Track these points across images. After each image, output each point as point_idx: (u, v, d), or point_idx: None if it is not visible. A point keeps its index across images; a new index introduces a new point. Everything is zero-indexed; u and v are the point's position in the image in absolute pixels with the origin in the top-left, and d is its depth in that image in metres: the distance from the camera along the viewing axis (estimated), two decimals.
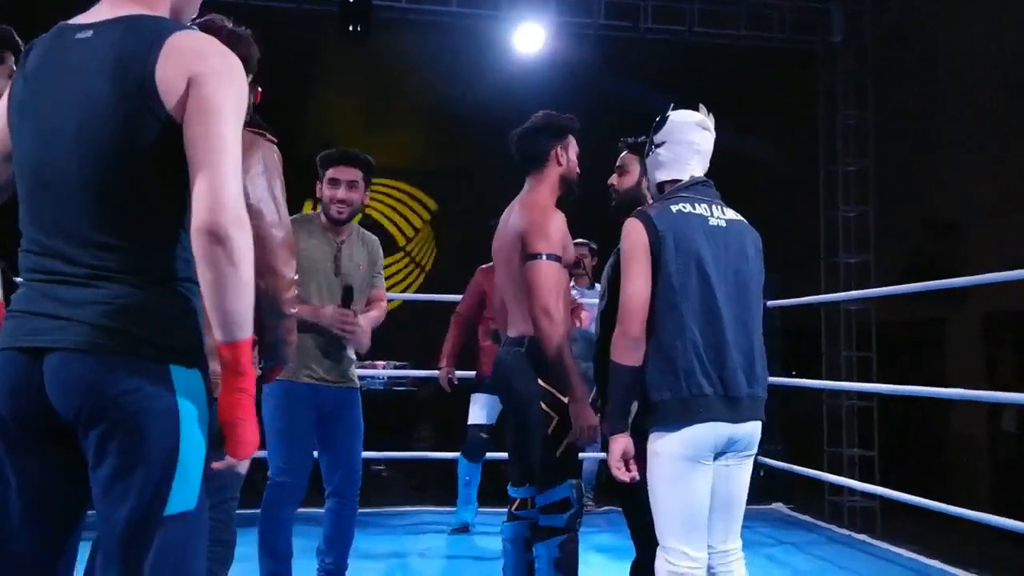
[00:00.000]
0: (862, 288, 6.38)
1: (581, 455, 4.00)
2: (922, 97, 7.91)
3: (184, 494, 1.38)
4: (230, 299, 1.35)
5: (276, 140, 2.10)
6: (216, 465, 1.43)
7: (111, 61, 1.39)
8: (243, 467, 1.88)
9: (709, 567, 2.37)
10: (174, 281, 1.42)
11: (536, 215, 2.73)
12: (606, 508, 5.10)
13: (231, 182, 1.35)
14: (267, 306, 1.90)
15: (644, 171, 2.75)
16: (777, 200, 8.09)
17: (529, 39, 6.75)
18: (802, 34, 7.07)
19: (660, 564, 2.29)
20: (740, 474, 2.34)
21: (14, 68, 2.28)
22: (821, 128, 7.23)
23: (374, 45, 6.65)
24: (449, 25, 6.83)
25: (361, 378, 3.32)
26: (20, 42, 2.35)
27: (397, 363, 7.46)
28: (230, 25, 2.05)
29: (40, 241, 1.41)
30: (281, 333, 1.98)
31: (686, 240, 2.28)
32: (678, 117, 2.46)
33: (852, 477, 6.03)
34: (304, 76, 7.70)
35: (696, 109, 2.48)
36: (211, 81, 1.38)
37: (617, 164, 2.91)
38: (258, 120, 2.10)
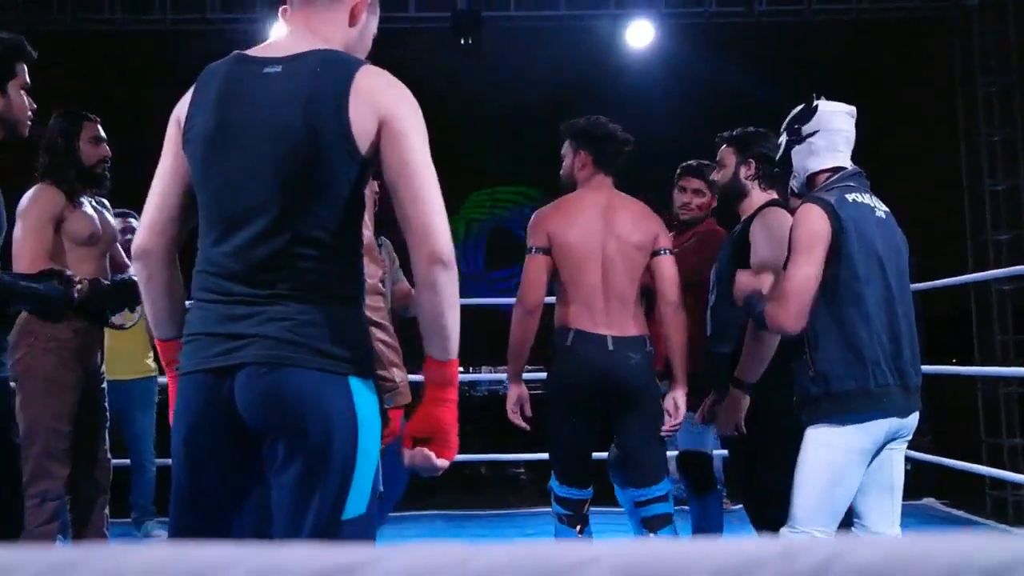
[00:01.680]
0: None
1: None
2: None
3: (358, 499, 1.45)
4: (452, 320, 1.48)
5: None
6: (420, 460, 1.51)
7: (304, 97, 1.46)
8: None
9: None
10: (349, 300, 1.52)
11: (654, 214, 2.95)
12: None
13: (441, 226, 1.46)
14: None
15: (739, 162, 2.81)
16: (914, 179, 7.64)
17: (639, 35, 6.68)
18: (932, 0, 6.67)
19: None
20: (901, 459, 2.39)
21: (27, 80, 2.37)
22: (960, 98, 6.78)
23: (487, 56, 6.77)
24: (558, 29, 6.87)
25: (475, 384, 3.49)
26: (32, 52, 2.40)
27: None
28: None
29: (222, 263, 1.49)
30: (377, 347, 2.04)
31: (864, 230, 2.29)
32: (828, 106, 2.44)
33: (1014, 470, 5.61)
34: (418, 88, 7.92)
35: (817, 94, 2.48)
36: (403, 121, 1.47)
37: (717, 159, 2.93)
38: None
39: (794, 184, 2.47)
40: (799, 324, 2.27)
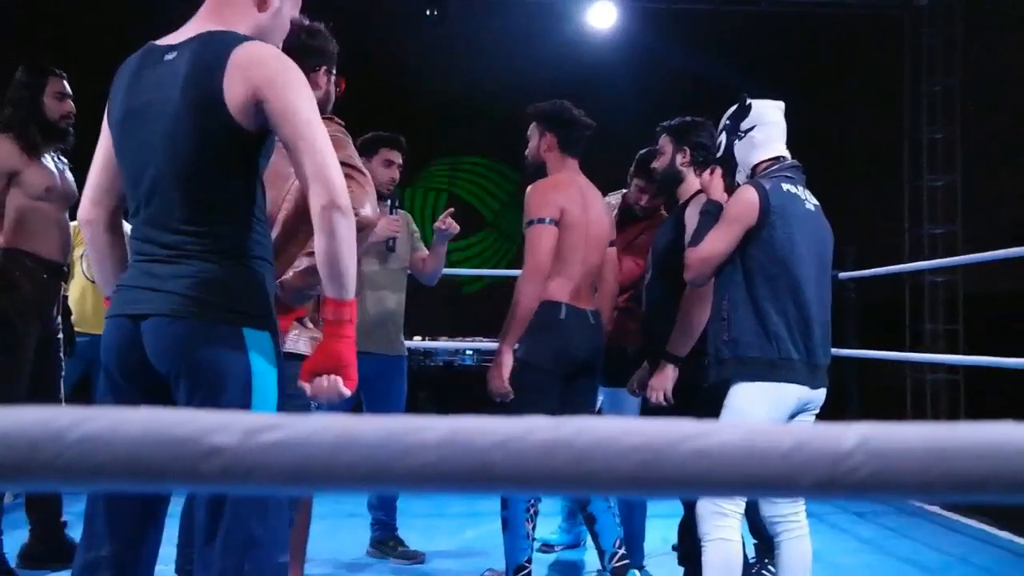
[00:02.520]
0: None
1: None
2: (1018, 60, 7.60)
3: None
4: (347, 262, 1.60)
5: (342, 123, 2.25)
6: (325, 390, 1.64)
7: (185, 76, 1.60)
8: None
9: (774, 532, 2.48)
10: (247, 259, 1.63)
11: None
12: None
13: (335, 166, 1.58)
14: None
15: (675, 150, 2.99)
16: (856, 170, 7.92)
17: (602, 16, 6.79)
18: None
19: (704, 505, 2.43)
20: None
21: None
22: (906, 96, 7.05)
23: (450, 27, 6.82)
24: (523, 5, 6.94)
25: (456, 352, 3.56)
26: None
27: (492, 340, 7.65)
28: (306, 21, 2.20)
29: (141, 230, 1.67)
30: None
31: (790, 217, 2.46)
32: (760, 102, 2.62)
33: None
34: (385, 60, 7.92)
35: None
36: (283, 88, 1.57)
37: (657, 147, 3.09)
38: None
39: (740, 179, 2.63)
40: (697, 282, 2.58)
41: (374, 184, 3.28)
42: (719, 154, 2.68)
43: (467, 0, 6.88)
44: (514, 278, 3.08)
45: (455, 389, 8.51)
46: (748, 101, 2.61)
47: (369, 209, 2.08)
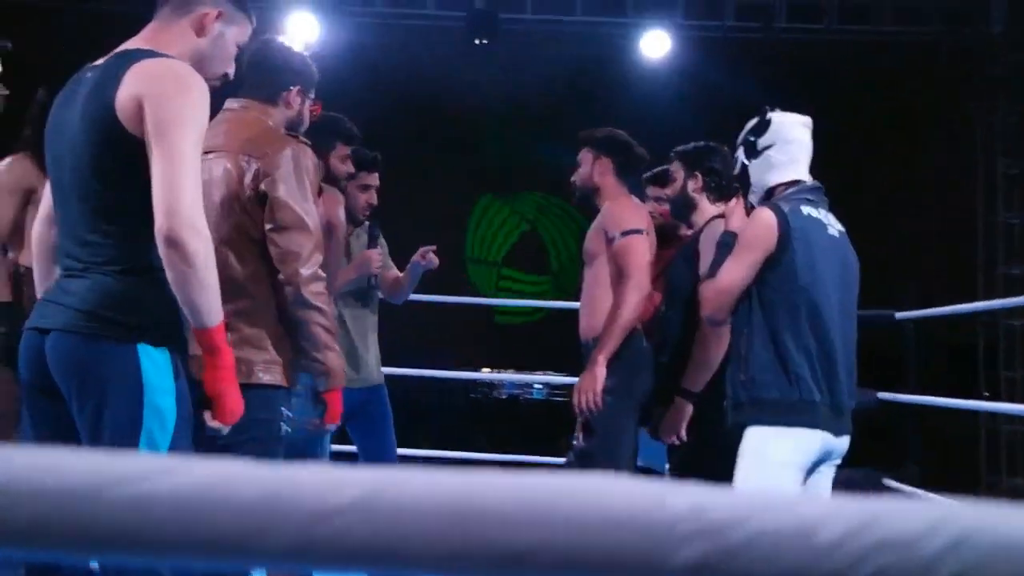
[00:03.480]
0: None
1: None
2: None
3: None
4: (192, 294, 1.56)
5: (308, 143, 2.17)
6: (211, 425, 1.68)
7: (88, 90, 1.63)
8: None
9: None
10: (149, 272, 1.61)
11: None
12: None
13: (185, 191, 1.53)
14: (291, 296, 1.98)
15: (687, 176, 2.85)
16: (923, 204, 7.51)
17: (655, 45, 6.60)
18: (956, 24, 6.54)
19: None
20: (828, 484, 2.35)
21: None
22: (980, 125, 6.66)
23: (502, 56, 6.73)
24: (574, 35, 6.81)
25: (524, 385, 3.43)
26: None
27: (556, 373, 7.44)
28: (287, 42, 2.29)
29: (61, 242, 1.70)
30: (314, 331, 2.00)
31: (812, 244, 2.27)
32: (782, 117, 2.41)
33: None
34: (434, 87, 7.90)
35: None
36: (161, 100, 1.57)
37: (670, 173, 2.98)
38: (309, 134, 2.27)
39: (753, 200, 2.44)
40: (716, 319, 2.37)
41: (352, 210, 3.13)
42: (735, 172, 2.47)
43: (517, 29, 6.77)
44: (574, 311, 2.93)
45: (514, 422, 8.31)
46: (768, 115, 2.40)
47: (310, 269, 1.98)
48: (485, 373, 8.37)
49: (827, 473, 2.33)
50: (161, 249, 1.53)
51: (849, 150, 2.08)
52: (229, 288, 1.97)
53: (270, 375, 1.99)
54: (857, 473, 4.32)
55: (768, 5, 6.48)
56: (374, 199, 3.29)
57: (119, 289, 1.59)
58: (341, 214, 2.91)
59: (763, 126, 2.39)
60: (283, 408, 2.03)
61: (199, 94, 1.61)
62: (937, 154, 7.80)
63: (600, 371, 2.62)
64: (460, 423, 9.59)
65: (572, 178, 2.93)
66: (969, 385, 6.27)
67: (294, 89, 2.19)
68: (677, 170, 2.93)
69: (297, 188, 2.00)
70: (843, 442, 2.30)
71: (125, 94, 1.57)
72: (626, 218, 2.73)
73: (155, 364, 1.59)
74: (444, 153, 9.08)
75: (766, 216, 2.27)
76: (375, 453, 3.34)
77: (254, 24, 1.86)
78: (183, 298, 1.57)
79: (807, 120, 2.44)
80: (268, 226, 1.98)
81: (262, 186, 1.99)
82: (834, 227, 2.37)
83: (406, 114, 7.85)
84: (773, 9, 6.50)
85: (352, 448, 3.45)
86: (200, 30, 1.72)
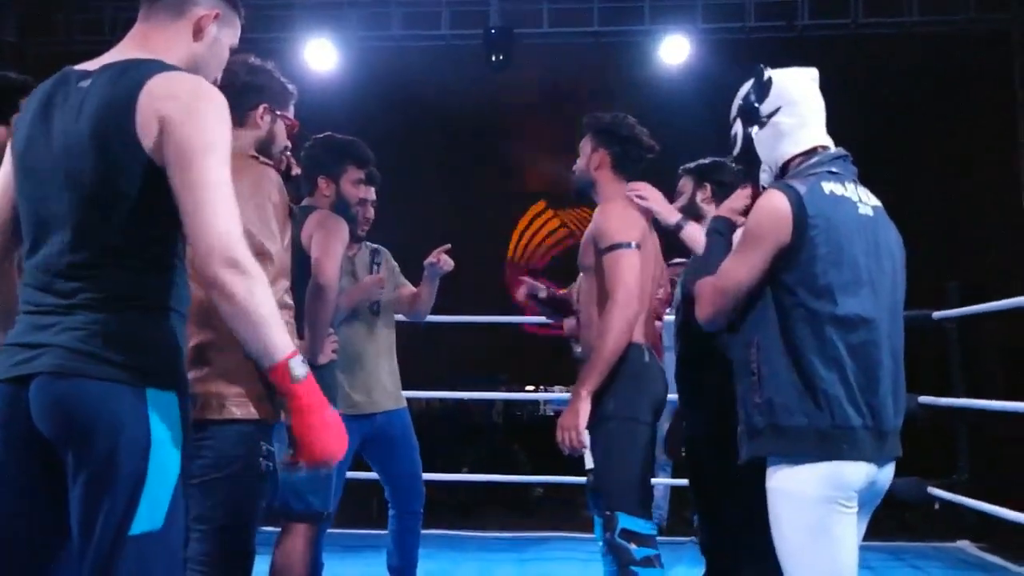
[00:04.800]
0: None
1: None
2: None
3: (151, 514, 1.42)
4: (244, 332, 1.44)
5: (272, 164, 2.08)
6: (294, 467, 1.55)
7: (97, 107, 1.46)
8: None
9: None
10: (155, 310, 1.48)
11: None
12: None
13: (218, 222, 1.41)
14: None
15: (696, 187, 2.73)
16: (965, 201, 7.22)
17: (674, 51, 6.48)
18: (989, 12, 6.31)
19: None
20: (862, 528, 1.95)
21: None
22: (1021, 116, 6.39)
23: (517, 71, 6.67)
24: (592, 45, 6.72)
25: (546, 403, 3.32)
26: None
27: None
28: (252, 59, 2.12)
29: (37, 276, 1.50)
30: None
31: (838, 232, 1.86)
32: (783, 74, 2.02)
33: None
34: (455, 106, 7.87)
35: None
36: (184, 122, 1.43)
37: (677, 188, 2.83)
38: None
39: (765, 179, 2.04)
40: (713, 325, 2.00)
41: (351, 228, 2.99)
42: (735, 151, 2.09)
43: (534, 43, 6.71)
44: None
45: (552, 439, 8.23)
46: (767, 74, 2.01)
47: (277, 295, 1.80)
48: (529, 393, 8.30)
49: (866, 512, 1.92)
50: (206, 289, 1.43)
51: (880, 145, 1.94)
52: (197, 321, 1.88)
53: (243, 409, 1.88)
54: (901, 482, 4.11)
55: (789, 3, 6.33)
56: (371, 214, 3.23)
57: (125, 328, 1.43)
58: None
59: (764, 88, 2.00)
60: (263, 443, 1.94)
61: (223, 112, 1.48)
62: (976, 146, 7.52)
63: (583, 406, 2.41)
64: (500, 442, 9.50)
65: (573, 168, 2.73)
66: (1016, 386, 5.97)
67: (260, 108, 2.10)
68: (685, 183, 2.80)
69: (255, 214, 1.90)
70: (888, 471, 1.92)
71: (145, 116, 1.43)
72: (615, 228, 2.50)
73: (165, 412, 1.44)
74: (476, 167, 9.07)
75: (775, 200, 1.87)
76: (397, 479, 3.26)
77: (243, 22, 1.72)
78: (240, 336, 1.45)
79: (813, 72, 2.04)
80: None
81: None
82: (867, 204, 1.94)
83: (428, 133, 7.82)
84: (795, 7, 6.34)
85: (374, 475, 3.36)
86: (197, 33, 1.59)
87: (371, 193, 3.17)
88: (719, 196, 2.69)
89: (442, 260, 3.26)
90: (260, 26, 6.71)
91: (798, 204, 1.85)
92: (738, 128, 2.06)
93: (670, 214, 2.60)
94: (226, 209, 1.42)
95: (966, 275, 4.75)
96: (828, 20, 6.37)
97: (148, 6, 1.59)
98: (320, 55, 6.61)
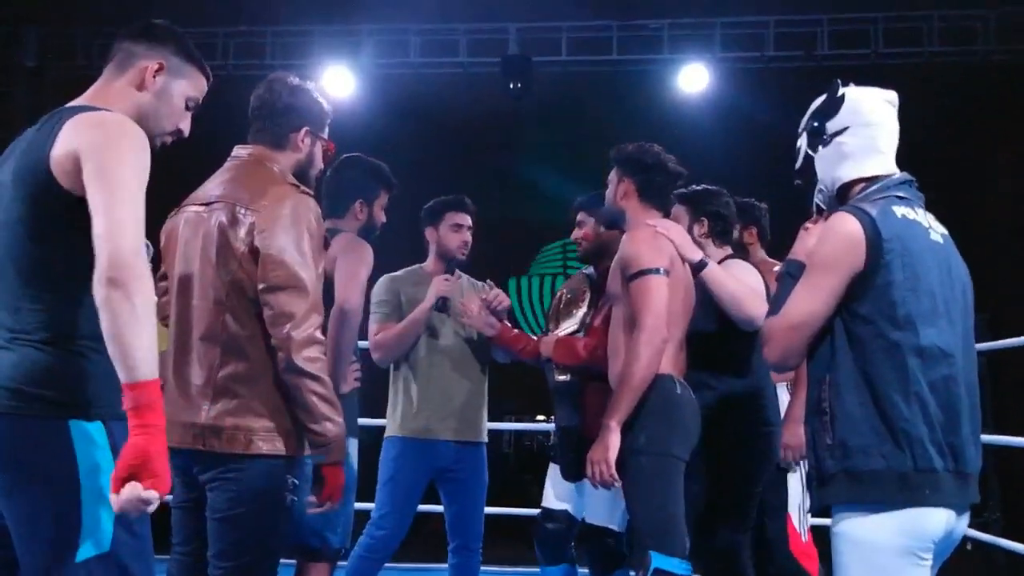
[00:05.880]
0: None
1: None
2: None
3: (95, 539, 1.48)
4: (128, 336, 1.42)
5: (311, 193, 2.02)
6: (126, 502, 1.43)
7: (21, 151, 1.56)
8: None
9: None
10: (80, 341, 1.53)
11: None
12: None
13: (125, 234, 1.44)
14: (283, 363, 1.83)
15: (692, 221, 2.78)
16: (994, 230, 7.13)
17: (693, 80, 6.46)
18: (1009, 44, 6.27)
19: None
20: None
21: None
22: None
23: (536, 99, 6.65)
24: (611, 73, 6.71)
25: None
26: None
27: None
28: (292, 79, 2.11)
29: None
30: (308, 399, 1.84)
31: (913, 258, 1.73)
32: (859, 93, 1.90)
33: None
34: (472, 133, 7.85)
35: (844, 82, 1.95)
36: (98, 148, 1.49)
37: (671, 218, 2.76)
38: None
39: (819, 199, 1.93)
40: (786, 365, 1.88)
41: (446, 252, 3.12)
42: (796, 165, 1.97)
43: (551, 71, 6.70)
44: None
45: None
46: (841, 91, 1.89)
47: (304, 332, 1.83)
48: (538, 422, 8.21)
49: (934, 571, 1.77)
50: (100, 291, 1.42)
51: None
52: (227, 350, 1.85)
53: (270, 444, 1.83)
54: None
55: (809, 32, 6.31)
56: (468, 238, 3.19)
57: (47, 361, 1.50)
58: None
59: (834, 105, 1.88)
60: (289, 477, 1.88)
61: (137, 140, 1.53)
62: (1002, 177, 7.45)
63: (613, 438, 2.34)
64: (511, 473, 9.34)
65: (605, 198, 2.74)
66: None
67: (302, 131, 2.06)
68: (680, 214, 2.77)
69: (293, 244, 1.85)
70: (965, 521, 1.78)
71: (60, 150, 1.50)
72: (642, 254, 2.46)
73: (89, 440, 1.49)
74: (493, 193, 9.01)
75: (848, 224, 1.73)
76: (459, 517, 3.14)
77: (209, 77, 1.78)
78: (120, 344, 1.42)
79: (892, 96, 1.91)
80: (260, 285, 1.84)
81: (255, 241, 1.86)
82: (936, 231, 1.82)
83: (447, 160, 7.80)
84: (814, 37, 6.33)
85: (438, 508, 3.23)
86: (140, 84, 1.67)
87: (464, 218, 3.21)
88: (715, 230, 2.74)
89: (497, 298, 3.15)
90: (278, 53, 6.74)
91: (872, 227, 1.72)
92: (802, 143, 1.96)
93: (693, 252, 2.59)
94: (136, 224, 1.46)
95: (992, 307, 4.66)
96: (848, 50, 6.34)
97: (106, 66, 1.71)
98: (338, 82, 6.61)
